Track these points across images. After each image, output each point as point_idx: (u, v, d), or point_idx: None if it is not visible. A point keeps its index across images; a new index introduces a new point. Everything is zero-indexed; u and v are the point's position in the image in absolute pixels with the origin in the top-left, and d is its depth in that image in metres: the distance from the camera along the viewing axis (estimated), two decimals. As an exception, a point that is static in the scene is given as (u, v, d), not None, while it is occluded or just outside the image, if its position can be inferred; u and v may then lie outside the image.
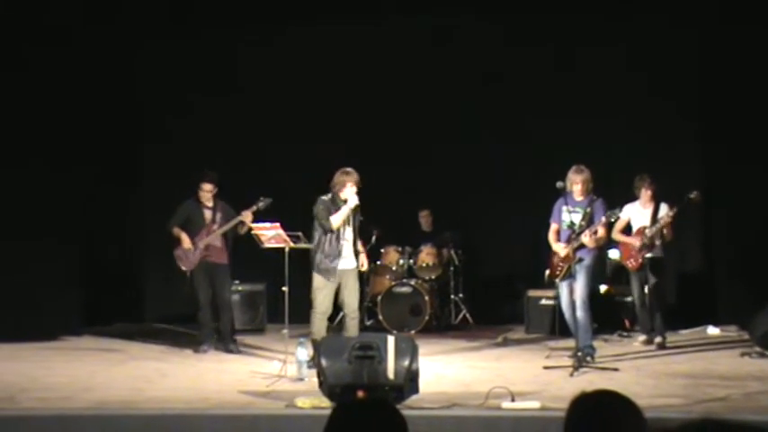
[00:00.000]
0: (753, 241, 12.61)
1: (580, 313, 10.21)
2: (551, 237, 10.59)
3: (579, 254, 10.24)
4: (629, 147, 13.36)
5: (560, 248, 10.40)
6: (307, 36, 14.05)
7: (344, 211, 10.14)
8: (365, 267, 10.88)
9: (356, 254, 10.43)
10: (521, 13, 13.58)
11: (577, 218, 10.30)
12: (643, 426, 3.16)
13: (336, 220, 10.13)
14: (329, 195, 10.26)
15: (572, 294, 10.33)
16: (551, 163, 10.77)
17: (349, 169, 10.25)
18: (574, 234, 10.26)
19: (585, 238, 10.09)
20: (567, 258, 10.29)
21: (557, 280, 10.50)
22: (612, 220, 10.25)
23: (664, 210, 11.38)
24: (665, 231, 11.37)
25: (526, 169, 13.38)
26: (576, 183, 10.29)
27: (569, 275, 10.31)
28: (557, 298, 11.24)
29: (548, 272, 10.63)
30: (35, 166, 12.24)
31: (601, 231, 10.16)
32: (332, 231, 10.15)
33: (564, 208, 10.39)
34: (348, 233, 10.31)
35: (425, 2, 13.76)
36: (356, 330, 10.30)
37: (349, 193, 10.14)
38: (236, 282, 12.80)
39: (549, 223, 10.62)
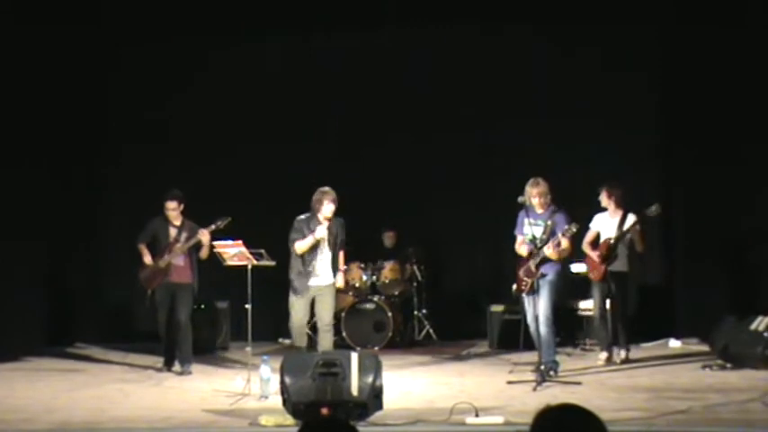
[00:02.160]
0: (712, 254, 12.71)
1: (543, 329, 10.22)
2: (520, 249, 10.56)
3: (542, 269, 10.27)
4: (588, 158, 13.40)
5: (521, 266, 10.47)
6: (272, 51, 14.10)
7: (308, 241, 10.42)
8: (340, 284, 11.07)
9: (335, 269, 10.61)
10: (479, 23, 13.67)
11: (539, 231, 10.30)
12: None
13: (300, 246, 10.43)
14: (307, 214, 10.47)
15: (536, 309, 10.36)
16: (513, 178, 10.77)
17: (326, 188, 10.47)
18: (535, 249, 10.29)
19: (548, 251, 10.12)
20: (531, 273, 10.33)
21: (522, 294, 10.53)
22: (568, 236, 10.21)
23: (631, 220, 11.34)
24: (636, 244, 11.38)
25: (488, 184, 13.41)
26: (533, 196, 10.30)
27: (534, 290, 10.34)
28: (519, 312, 11.26)
29: (515, 286, 10.65)
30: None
31: (564, 243, 10.18)
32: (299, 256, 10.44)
33: (526, 221, 10.39)
34: (322, 253, 10.53)
35: (394, 15, 13.77)
36: (329, 343, 10.44)
37: (324, 215, 10.43)
38: (202, 306, 12.72)
39: (515, 235, 10.62)
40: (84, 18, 13.46)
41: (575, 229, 10.14)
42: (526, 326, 10.71)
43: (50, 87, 12.89)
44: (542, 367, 9.95)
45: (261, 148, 13.88)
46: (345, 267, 11.27)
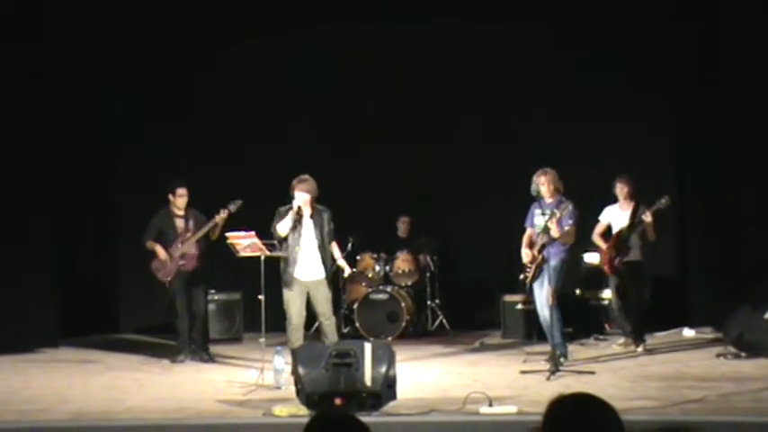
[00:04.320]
0: (727, 242, 12.69)
1: (545, 312, 10.33)
2: (524, 241, 10.68)
3: (545, 253, 10.32)
4: (604, 149, 13.46)
5: (524, 254, 10.54)
6: (281, 41, 14.07)
7: (288, 217, 10.00)
8: (348, 272, 11.00)
9: (325, 262, 10.25)
10: (494, 17, 13.63)
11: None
12: (620, 428, 3.19)
13: (281, 227, 10.04)
14: (288, 205, 10.19)
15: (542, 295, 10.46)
16: (527, 168, 10.77)
17: (303, 176, 10.12)
18: (541, 237, 10.37)
19: (552, 227, 10.15)
20: (534, 259, 10.39)
21: (528, 282, 10.58)
22: (556, 217, 10.22)
23: (642, 212, 11.38)
24: (648, 233, 11.38)
25: (502, 175, 13.43)
26: (540, 184, 10.36)
27: (540, 276, 10.40)
28: (531, 302, 11.28)
29: (522, 276, 10.70)
30: (8, 176, 12.19)
31: (567, 227, 10.26)
32: (282, 239, 10.10)
33: (537, 212, 10.48)
34: (305, 241, 10.11)
35: (400, 5, 13.77)
36: (334, 334, 10.30)
37: (297, 198, 10.04)
38: (212, 291, 12.79)
39: (525, 228, 10.72)
40: (85, 18, 13.44)
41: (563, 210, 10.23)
42: (538, 316, 10.74)
43: (53, 87, 12.86)
44: (558, 353, 10.02)
45: (270, 138, 13.90)
46: (350, 270, 11.13)
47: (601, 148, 13.53)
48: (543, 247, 10.31)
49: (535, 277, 10.47)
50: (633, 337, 11.52)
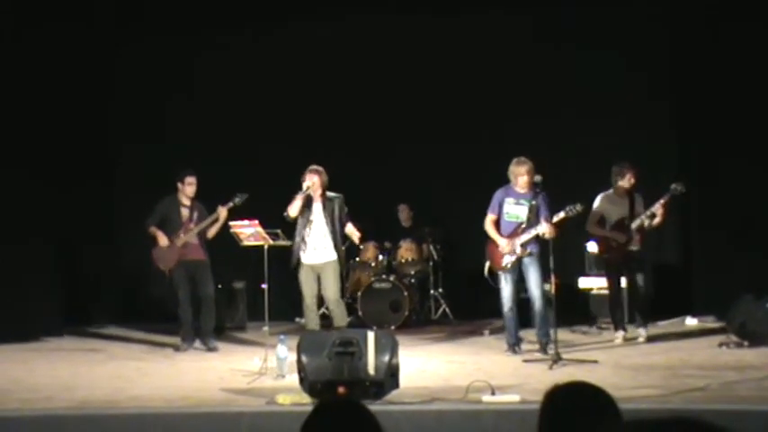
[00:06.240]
0: (729, 231, 12.68)
1: (538, 304, 10.33)
2: (490, 228, 10.60)
3: (530, 248, 10.32)
4: (603, 140, 13.43)
5: (504, 244, 10.45)
6: (281, 35, 14.10)
7: (298, 199, 10.33)
8: (356, 238, 11.09)
9: (336, 246, 10.51)
10: (492, 10, 13.65)
11: (522, 210, 10.34)
12: (616, 415, 3.20)
13: (291, 208, 10.37)
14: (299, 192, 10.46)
15: (528, 287, 10.49)
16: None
17: (314, 167, 10.44)
18: (520, 228, 10.32)
19: (544, 229, 10.11)
20: (516, 252, 10.35)
21: (502, 273, 10.53)
22: (571, 215, 10.21)
23: (640, 201, 11.30)
24: (656, 221, 11.24)
25: (503, 164, 13.40)
26: (520, 175, 10.31)
27: (517, 268, 10.38)
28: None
29: (488, 264, 10.67)
30: (12, 167, 12.20)
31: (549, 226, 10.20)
32: (292, 220, 10.41)
33: (507, 200, 10.44)
34: (315, 226, 10.44)
35: (399, 4, 13.79)
36: (342, 319, 10.45)
37: (306, 180, 10.39)
38: (219, 285, 12.79)
39: (487, 213, 10.65)
40: (85, 17, 13.44)
41: (579, 209, 10.16)
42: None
43: (52, 87, 12.84)
44: (546, 345, 10.07)
45: (270, 136, 13.93)
46: (359, 234, 11.15)
47: (601, 140, 13.49)
48: (530, 239, 10.28)
49: (513, 267, 10.45)
50: (637, 327, 11.45)
